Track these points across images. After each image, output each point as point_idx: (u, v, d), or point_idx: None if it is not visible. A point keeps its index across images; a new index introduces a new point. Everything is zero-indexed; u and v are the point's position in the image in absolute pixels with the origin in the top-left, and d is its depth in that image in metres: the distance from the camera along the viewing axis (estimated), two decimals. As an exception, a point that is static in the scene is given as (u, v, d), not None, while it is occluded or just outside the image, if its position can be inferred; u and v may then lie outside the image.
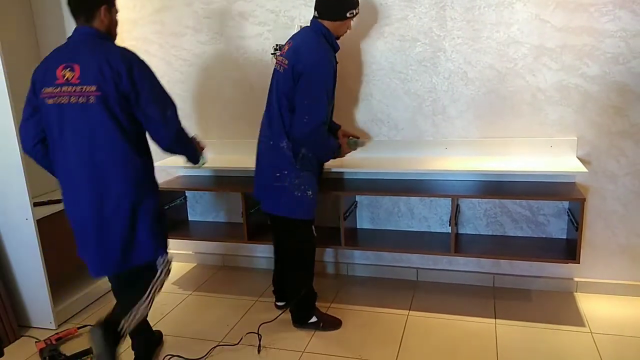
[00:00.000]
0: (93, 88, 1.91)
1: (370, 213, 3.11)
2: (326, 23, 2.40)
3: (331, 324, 2.68)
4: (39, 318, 2.80)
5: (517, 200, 2.85)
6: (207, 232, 3.30)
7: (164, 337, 2.67)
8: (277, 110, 2.41)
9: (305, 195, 2.46)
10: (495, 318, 2.69)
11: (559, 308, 2.75)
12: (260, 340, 2.57)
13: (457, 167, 2.68)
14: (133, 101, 1.96)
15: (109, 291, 3.20)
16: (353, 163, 2.89)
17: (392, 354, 2.43)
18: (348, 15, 2.41)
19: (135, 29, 3.28)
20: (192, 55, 3.21)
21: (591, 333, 2.51)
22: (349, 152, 2.73)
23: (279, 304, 2.90)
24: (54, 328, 2.78)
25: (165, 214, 2.32)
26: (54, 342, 2.60)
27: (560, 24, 2.58)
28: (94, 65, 1.91)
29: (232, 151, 3.23)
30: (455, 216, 2.71)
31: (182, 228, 3.36)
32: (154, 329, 2.62)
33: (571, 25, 2.57)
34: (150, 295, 2.18)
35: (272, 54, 3.00)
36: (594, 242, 2.81)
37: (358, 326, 2.68)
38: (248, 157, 3.00)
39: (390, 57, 2.87)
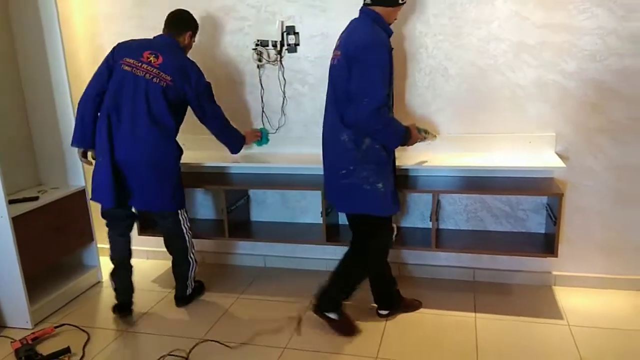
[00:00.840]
0: (169, 77, 2.56)
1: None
2: (378, 9, 2.31)
3: (346, 329, 2.57)
4: (14, 318, 2.73)
5: (497, 196, 2.88)
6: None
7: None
8: (334, 103, 2.33)
9: (375, 189, 2.30)
10: (475, 312, 2.72)
11: (538, 301, 2.79)
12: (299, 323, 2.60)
13: (438, 162, 2.70)
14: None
15: (87, 290, 3.16)
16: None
17: (373, 348, 2.44)
18: (400, 1, 2.35)
19: (113, 23, 3.22)
20: (171, 50, 3.17)
21: (569, 326, 2.55)
22: (421, 141, 2.52)
23: (381, 312, 2.72)
24: (30, 328, 2.72)
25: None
26: (30, 342, 2.54)
27: (539, 21, 2.62)
28: (174, 64, 2.58)
29: (211, 147, 3.19)
30: (436, 211, 2.73)
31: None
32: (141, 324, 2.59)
33: (550, 23, 2.61)
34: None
35: (253, 49, 2.98)
36: (572, 236, 2.86)
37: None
38: (227, 153, 3.00)
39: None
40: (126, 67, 2.54)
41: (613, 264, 2.85)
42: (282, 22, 2.93)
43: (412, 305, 2.74)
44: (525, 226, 2.90)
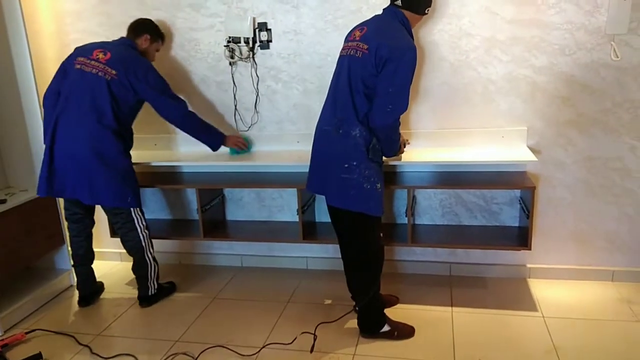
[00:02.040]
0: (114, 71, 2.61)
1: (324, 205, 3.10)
2: (406, 13, 2.31)
3: (405, 332, 2.50)
4: (-18, 325, 2.66)
5: (472, 190, 2.91)
6: (160, 230, 3.20)
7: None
8: (348, 96, 2.23)
9: (374, 189, 2.26)
10: (452, 306, 2.73)
11: (513, 294, 2.83)
12: (315, 340, 2.47)
13: (413, 158, 2.70)
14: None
15: (59, 294, 3.09)
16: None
17: (351, 344, 2.44)
18: (426, 11, 2.38)
19: (80, 20, 3.14)
20: (141, 48, 3.11)
21: (543, 317, 2.59)
22: (401, 153, 2.62)
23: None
24: (0, 334, 2.65)
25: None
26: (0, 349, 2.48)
27: (509, 17, 2.64)
28: (121, 59, 2.63)
29: (183, 145, 3.15)
30: (411, 207, 2.74)
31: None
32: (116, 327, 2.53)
33: (520, 18, 2.63)
34: None
35: (225, 46, 2.94)
36: (545, 229, 2.90)
37: (320, 319, 2.66)
38: (202, 151, 2.96)
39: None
40: (77, 66, 2.64)
41: (585, 256, 2.90)
42: (254, 19, 2.90)
43: (389, 301, 2.74)
44: (499, 220, 2.93)
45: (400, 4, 2.31)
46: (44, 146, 2.69)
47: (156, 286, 2.93)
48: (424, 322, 2.59)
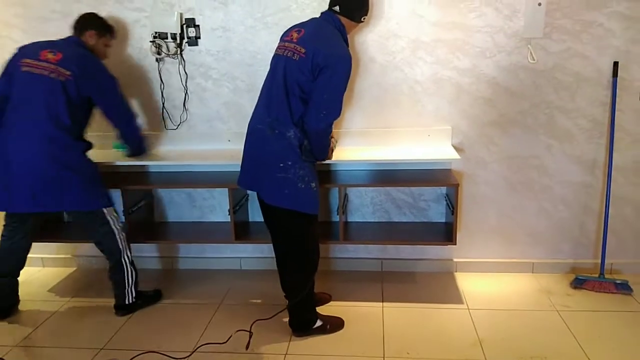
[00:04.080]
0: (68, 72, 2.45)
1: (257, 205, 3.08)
2: (343, 19, 2.34)
3: (336, 324, 2.55)
4: None
5: (400, 188, 2.98)
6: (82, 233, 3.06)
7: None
8: (283, 97, 2.23)
9: (309, 188, 2.29)
10: (382, 302, 2.79)
11: (440, 288, 2.92)
12: (250, 337, 2.42)
13: (343, 157, 2.73)
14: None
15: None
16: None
17: (283, 344, 2.44)
18: (362, 19, 2.42)
19: (-7, 11, 2.95)
20: (61, 42, 2.96)
21: (468, 309, 2.69)
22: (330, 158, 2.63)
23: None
24: None
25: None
26: None
27: (434, 19, 2.72)
28: (73, 58, 2.48)
29: (104, 145, 3.03)
30: (343, 205, 2.77)
31: (58, 230, 3.12)
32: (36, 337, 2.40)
33: (444, 21, 2.71)
34: None
35: (150, 41, 2.85)
36: (469, 224, 3.02)
37: (253, 317, 2.64)
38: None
39: (274, 47, 2.83)
40: (25, 68, 2.46)
41: (508, 249, 3.05)
42: (181, 14, 2.83)
43: (321, 299, 2.76)
44: (427, 216, 3.02)
45: (338, 10, 2.36)
46: None
47: (134, 294, 2.75)
48: (355, 318, 2.63)
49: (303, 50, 2.22)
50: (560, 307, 2.68)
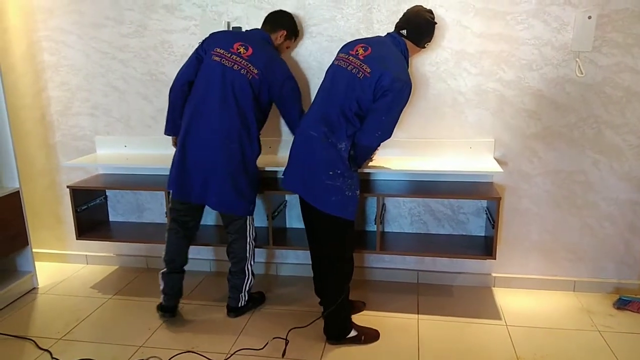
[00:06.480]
0: (256, 70, 2.46)
1: (298, 212, 3.10)
2: (408, 43, 2.40)
3: (372, 336, 2.53)
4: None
5: (440, 200, 2.95)
6: (129, 233, 3.16)
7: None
8: (339, 110, 2.28)
9: (354, 195, 2.34)
10: (418, 313, 2.76)
11: (478, 302, 2.88)
12: (286, 345, 2.46)
13: (383, 166, 2.73)
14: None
15: (21, 296, 3.01)
16: (273, 161, 2.87)
17: (317, 351, 2.44)
18: (425, 45, 2.49)
19: (51, 18, 3.09)
20: (113, 48, 3.07)
21: (506, 326, 2.64)
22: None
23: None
24: (-44, 338, 2.58)
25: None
26: (-46, 354, 2.41)
27: (479, 30, 2.70)
28: (263, 57, 2.48)
29: (156, 148, 3.12)
30: (380, 214, 2.76)
31: (103, 229, 3.21)
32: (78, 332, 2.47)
33: (489, 32, 2.69)
34: None
35: (198, 49, 2.93)
36: (510, 239, 2.96)
37: (287, 323, 2.66)
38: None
39: (318, 56, 2.88)
40: (216, 58, 2.48)
41: (548, 266, 2.97)
42: (229, 23, 2.89)
43: (356, 307, 2.76)
44: (466, 229, 2.98)
45: (405, 34, 2.40)
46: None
47: (247, 297, 2.77)
48: (390, 329, 2.61)
49: (369, 70, 2.24)
50: (602, 327, 2.60)
